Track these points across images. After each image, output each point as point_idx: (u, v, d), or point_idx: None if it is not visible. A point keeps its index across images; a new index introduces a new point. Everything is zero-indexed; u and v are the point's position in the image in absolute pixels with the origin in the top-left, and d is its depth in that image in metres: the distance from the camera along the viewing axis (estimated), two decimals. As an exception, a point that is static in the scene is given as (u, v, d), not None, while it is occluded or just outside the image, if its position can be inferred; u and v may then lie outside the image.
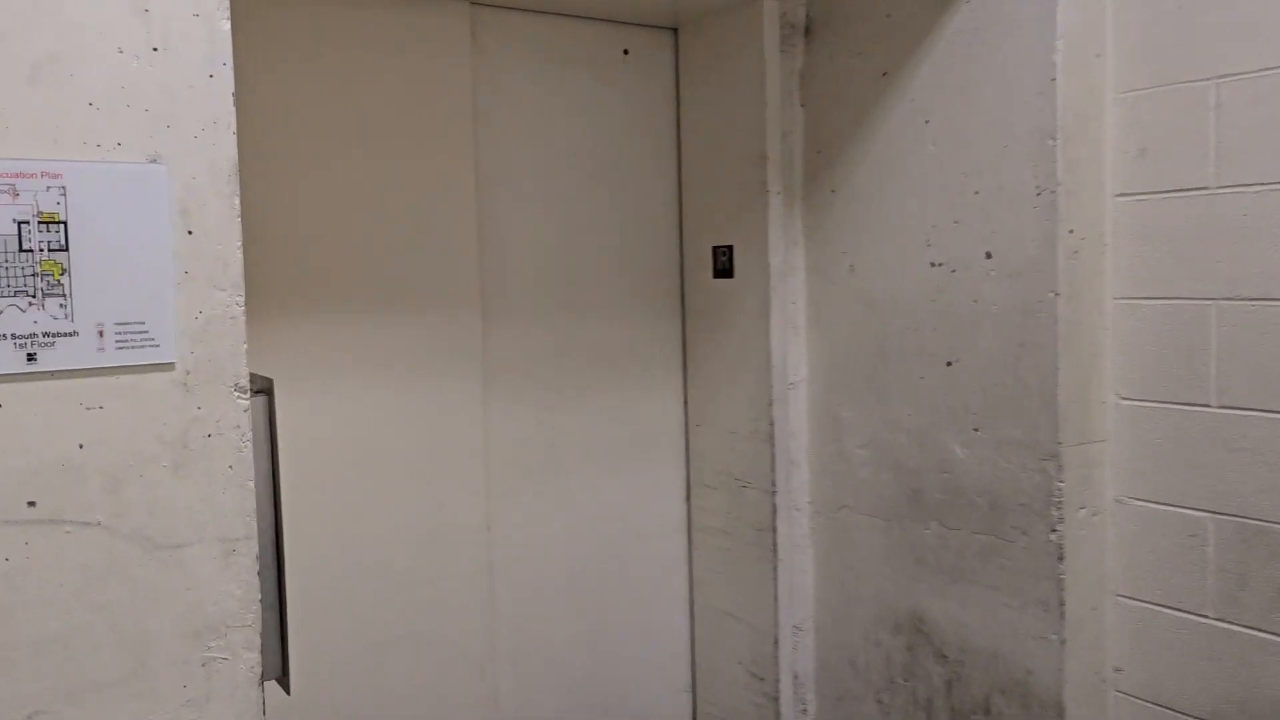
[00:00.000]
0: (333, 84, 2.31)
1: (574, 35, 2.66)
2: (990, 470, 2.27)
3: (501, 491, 2.61)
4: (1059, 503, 2.14)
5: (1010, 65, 2.17)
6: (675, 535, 2.90)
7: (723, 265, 2.73)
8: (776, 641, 2.67)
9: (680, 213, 2.86)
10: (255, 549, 1.27)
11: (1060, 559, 2.14)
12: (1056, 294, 2.11)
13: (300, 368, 2.30)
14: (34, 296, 1.16)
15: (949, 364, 2.34)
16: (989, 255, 2.24)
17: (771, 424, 2.62)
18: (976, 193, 2.25)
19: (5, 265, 1.15)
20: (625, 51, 2.75)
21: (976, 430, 2.29)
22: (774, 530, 2.65)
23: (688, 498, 2.91)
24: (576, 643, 2.75)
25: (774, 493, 2.64)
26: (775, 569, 2.65)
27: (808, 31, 2.65)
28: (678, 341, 2.89)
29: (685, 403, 2.90)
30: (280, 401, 2.27)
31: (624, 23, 2.73)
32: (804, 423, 2.72)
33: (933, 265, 2.36)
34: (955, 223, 2.30)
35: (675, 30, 2.82)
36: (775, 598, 2.66)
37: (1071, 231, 2.12)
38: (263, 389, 1.58)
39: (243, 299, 1.26)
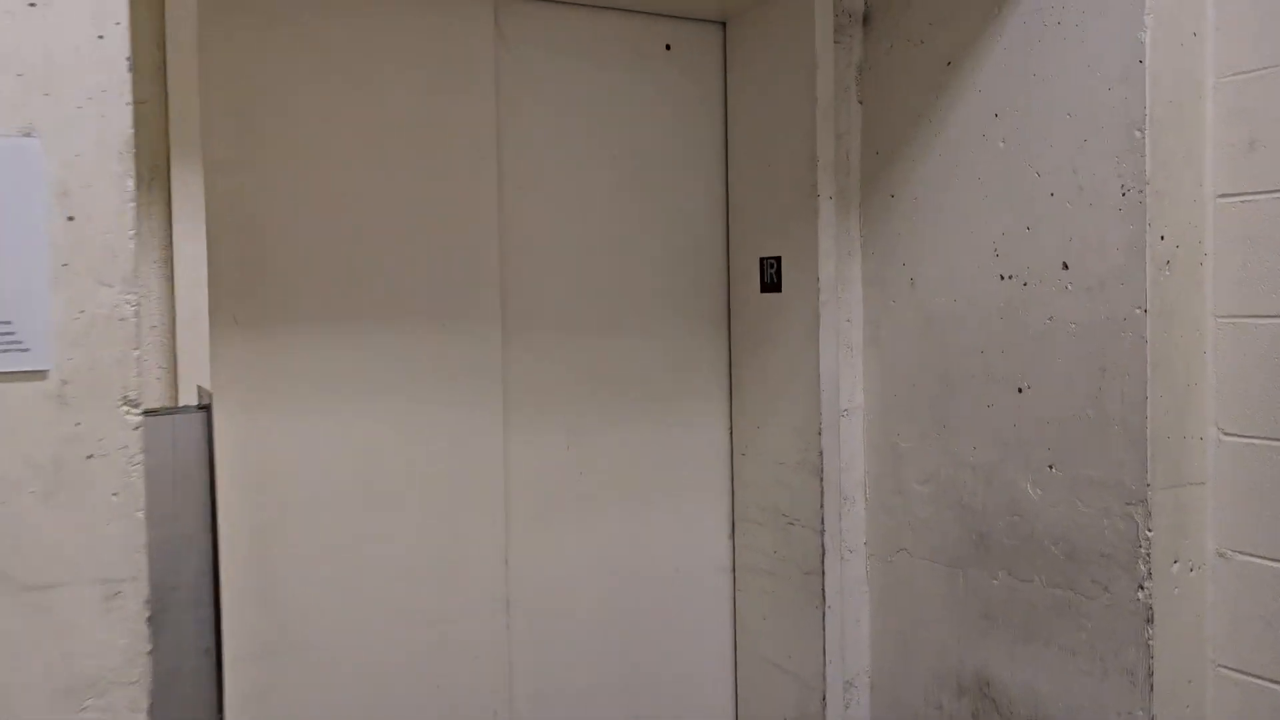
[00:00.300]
0: (344, 81, 2.15)
1: (610, 30, 2.46)
2: (1067, 514, 1.96)
3: (522, 522, 2.39)
4: (1147, 555, 1.82)
5: (1091, 47, 1.88)
6: (718, 574, 2.64)
7: (770, 278, 2.47)
8: (825, 698, 2.38)
9: (727, 221, 2.62)
10: (144, 592, 1.08)
11: (1149, 621, 1.82)
12: (1144, 311, 1.81)
13: (305, 384, 2.13)
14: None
15: (1020, 390, 2.05)
16: (1066, 266, 1.94)
17: (820, 455, 2.35)
18: (1052, 195, 1.96)
19: None
20: (667, 47, 2.53)
21: (1051, 467, 1.99)
22: (822, 573, 2.37)
23: (732, 533, 2.65)
24: (605, 691, 2.51)
25: (823, 532, 2.36)
26: (823, 616, 2.37)
27: (866, 21, 2.39)
28: (723, 362, 2.64)
29: (731, 429, 2.65)
30: (281, 421, 2.11)
31: (666, 16, 2.51)
32: (859, 454, 2.44)
33: (1002, 278, 2.07)
34: (1028, 229, 2.01)
35: (723, 24, 2.59)
36: (823, 649, 2.37)
37: (1163, 238, 1.81)
38: (202, 405, 1.40)
39: (136, 297, 1.07)
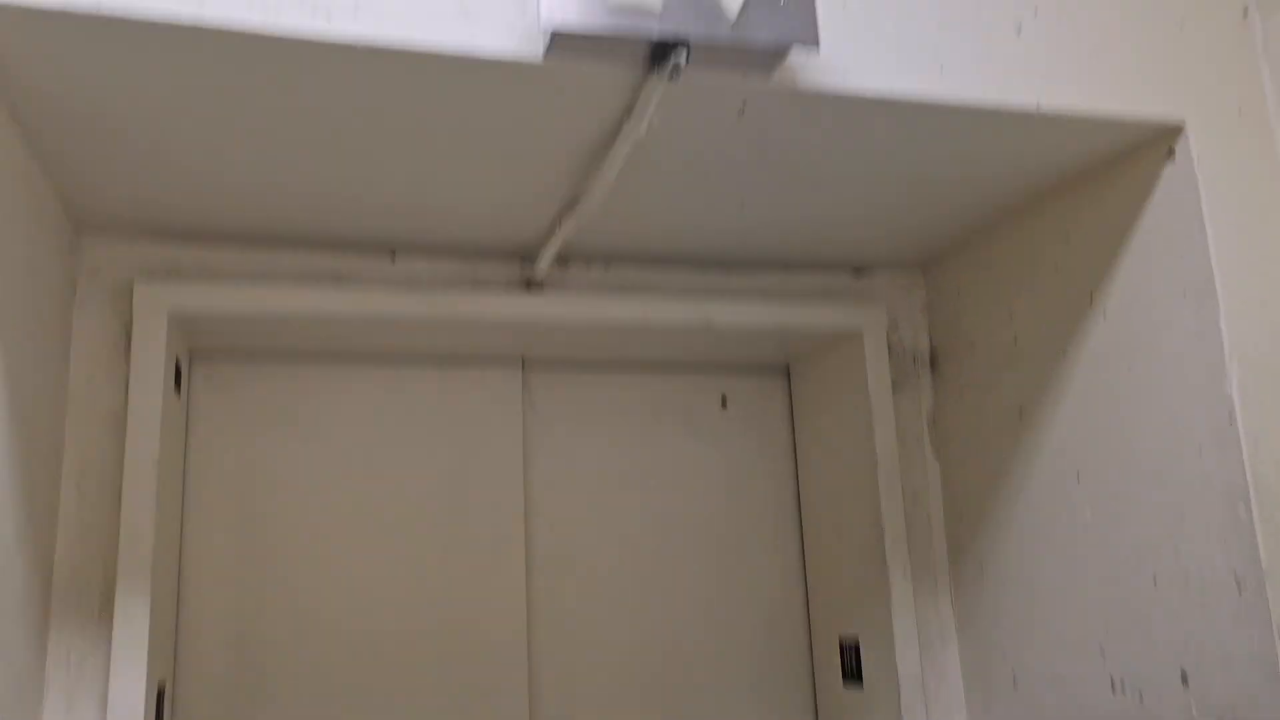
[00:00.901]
0: (352, 457, 2.04)
1: (653, 390, 2.28)
2: None
3: None
4: None
5: (1171, 402, 1.51)
6: None
7: (850, 667, 2.07)
8: None
9: (807, 595, 2.26)
10: None
11: None
12: (1296, 754, 1.31)
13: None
14: None
15: (1157, 845, 1.52)
16: (1185, 679, 1.47)
17: None
18: (1155, 582, 1.53)
19: None
20: (723, 402, 2.32)
21: None
22: None
23: None
24: None
25: None
26: None
27: (934, 364, 2.10)
28: (813, 765, 2.20)
29: None
30: None
31: (720, 368, 2.32)
32: None
33: (1114, 687, 1.61)
34: (1133, 624, 1.57)
35: (786, 370, 2.36)
36: None
37: (1305, 648, 1.34)
38: None
39: None
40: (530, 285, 1.94)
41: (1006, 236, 1.89)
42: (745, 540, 2.26)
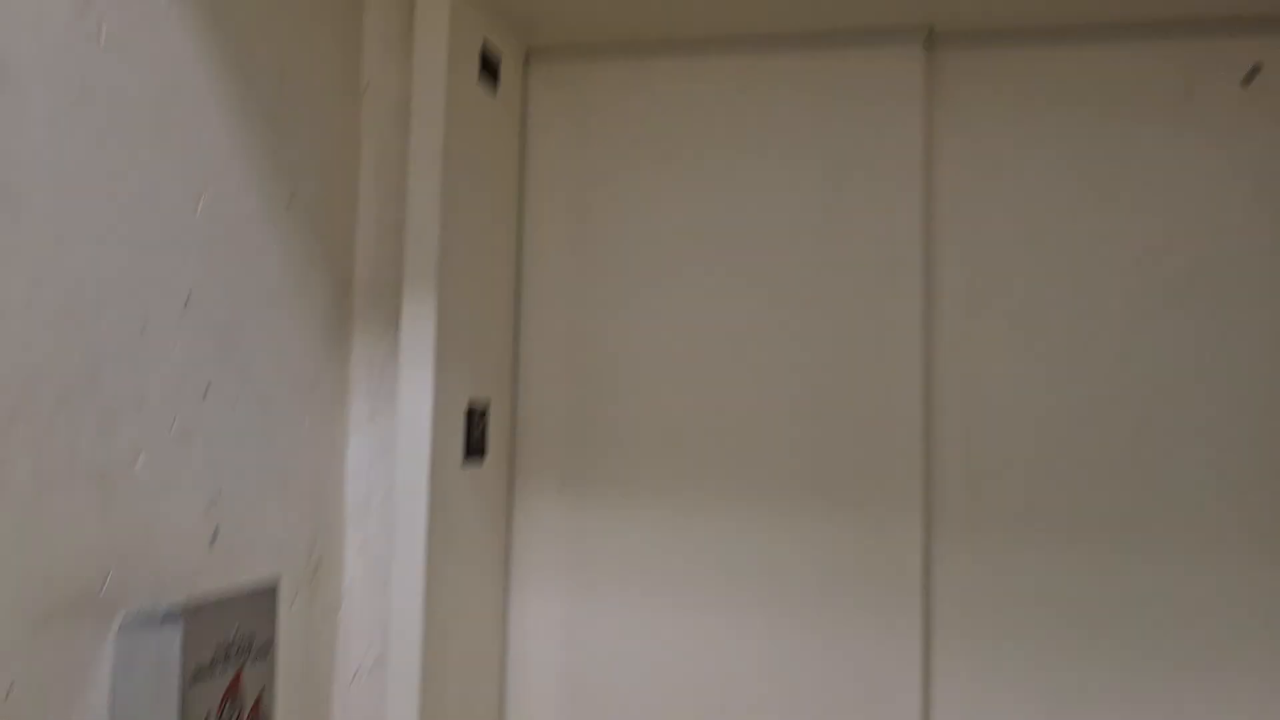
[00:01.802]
0: (701, 175, 1.68)
1: (1127, 61, 1.56)
2: None
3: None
4: None
5: None
6: None
7: None
8: None
9: (1381, 360, 1.44)
10: None
11: None
12: None
13: (638, 574, 1.66)
14: None
15: None
16: None
17: None
18: None
19: None
20: (1251, 73, 1.52)
21: None
22: None
23: None
24: None
25: None
26: None
27: None
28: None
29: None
30: (604, 619, 1.64)
31: (1240, 21, 1.51)
32: None
33: None
34: None
35: (1369, 17, 1.48)
36: None
37: None
38: (176, 612, 1.06)
39: None
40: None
41: None
42: (1265, 276, 1.49)
